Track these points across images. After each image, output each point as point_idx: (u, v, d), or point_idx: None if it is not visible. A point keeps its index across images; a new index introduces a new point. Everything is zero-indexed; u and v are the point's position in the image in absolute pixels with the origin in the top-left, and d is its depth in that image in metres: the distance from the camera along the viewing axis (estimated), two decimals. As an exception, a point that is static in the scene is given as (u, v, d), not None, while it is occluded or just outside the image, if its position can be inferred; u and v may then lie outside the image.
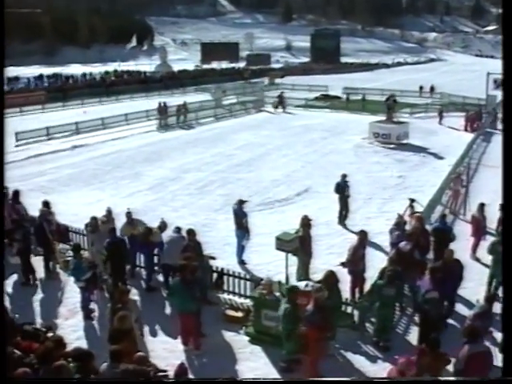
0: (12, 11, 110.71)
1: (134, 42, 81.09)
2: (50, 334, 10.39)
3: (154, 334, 12.78)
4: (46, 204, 17.03)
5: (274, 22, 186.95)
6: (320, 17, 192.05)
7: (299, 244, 13.83)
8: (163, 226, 15.42)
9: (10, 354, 9.10)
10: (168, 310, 13.98)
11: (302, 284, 12.22)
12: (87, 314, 13.66)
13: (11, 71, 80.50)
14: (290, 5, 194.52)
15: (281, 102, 50.07)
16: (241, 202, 16.81)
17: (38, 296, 14.80)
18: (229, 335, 12.81)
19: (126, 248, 14.91)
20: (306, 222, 14.93)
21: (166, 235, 15.13)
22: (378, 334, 12.26)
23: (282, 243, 12.86)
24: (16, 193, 17.78)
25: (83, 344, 11.74)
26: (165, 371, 9.25)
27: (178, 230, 14.75)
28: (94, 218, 15.40)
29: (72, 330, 12.89)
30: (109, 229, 14.78)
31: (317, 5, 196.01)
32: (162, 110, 42.32)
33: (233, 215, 16.93)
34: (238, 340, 12.64)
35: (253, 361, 11.85)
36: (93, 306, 13.86)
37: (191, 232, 14.22)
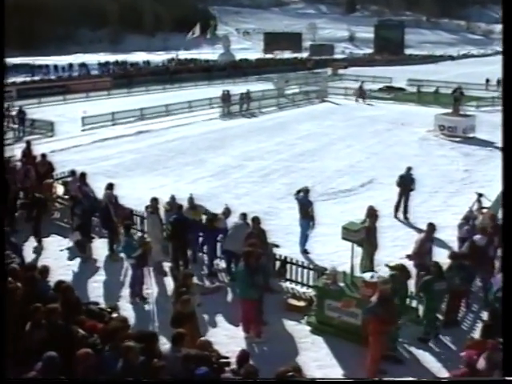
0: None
1: (197, 31, 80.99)
2: (114, 315, 10.49)
3: (215, 320, 12.80)
4: (110, 186, 17.24)
5: (337, 13, 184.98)
6: (384, 7, 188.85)
7: (365, 235, 13.62)
8: (227, 212, 15.42)
9: (74, 333, 9.25)
10: (230, 297, 14.01)
11: (367, 275, 12.03)
12: (137, 292, 13.87)
13: (78, 58, 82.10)
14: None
15: (361, 94, 49.52)
16: (306, 191, 16.69)
17: (101, 277, 15.04)
18: (290, 324, 12.76)
19: (188, 228, 14.96)
20: (372, 213, 14.74)
21: (230, 221, 15.16)
22: (427, 328, 12.08)
23: (349, 233, 12.66)
24: (83, 175, 18.06)
25: (142, 325, 11.84)
26: (227, 358, 9.21)
27: (243, 216, 14.74)
28: (154, 200, 15.48)
29: (133, 311, 13.09)
30: (175, 206, 14.95)
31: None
32: (226, 98, 42.36)
33: (297, 204, 16.80)
34: (299, 329, 12.57)
35: (314, 351, 11.77)
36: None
37: (256, 219, 14.18)
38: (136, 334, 9.22)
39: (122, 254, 15.05)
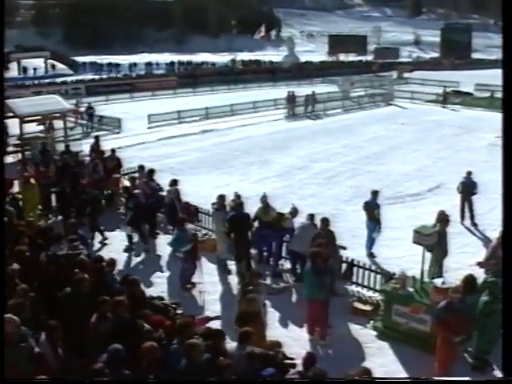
0: (146, 0, 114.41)
1: (262, 33, 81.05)
2: (179, 311, 10.44)
3: (279, 320, 12.65)
4: (175, 182, 17.27)
5: (402, 16, 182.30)
6: (450, 10, 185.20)
7: (437, 239, 13.24)
8: (294, 212, 15.25)
9: (139, 327, 9.23)
10: (294, 298, 13.85)
11: (438, 281, 11.67)
12: (185, 285, 13.91)
13: (144, 57, 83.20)
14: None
15: (445, 99, 48.48)
16: (374, 193, 16.39)
17: (165, 273, 15.10)
18: (355, 328, 12.51)
19: (249, 224, 14.91)
20: (443, 218, 14.33)
21: (297, 222, 14.98)
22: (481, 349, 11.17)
23: (421, 237, 12.30)
24: (151, 171, 18.17)
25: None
26: (292, 359, 9.05)
27: (310, 217, 14.53)
28: (220, 197, 15.43)
29: (195, 308, 12.96)
30: (236, 203, 14.89)
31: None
32: (291, 99, 42.24)
33: (364, 206, 16.51)
34: (364, 334, 12.30)
35: (380, 357, 11.49)
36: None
37: (325, 220, 13.94)
38: (203, 331, 9.14)
39: (171, 247, 15.22)
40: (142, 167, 19.07)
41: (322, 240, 12.79)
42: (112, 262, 11.50)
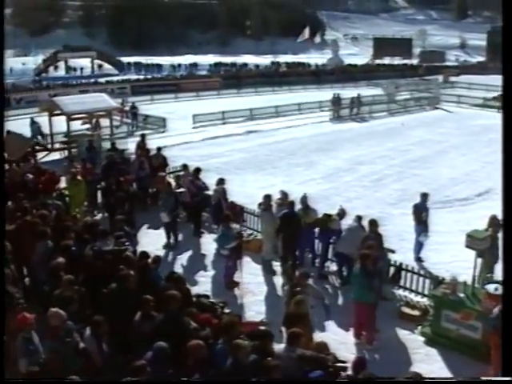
0: (190, 2, 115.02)
1: (306, 35, 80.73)
2: (226, 310, 10.29)
3: (324, 323, 12.28)
4: (222, 181, 17.17)
5: (447, 19, 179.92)
6: (496, 13, 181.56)
7: (490, 244, 12.85)
8: (342, 214, 14.98)
9: (186, 325, 9.11)
10: (340, 300, 13.62)
11: (491, 287, 11.30)
12: (229, 283, 13.77)
13: (188, 59, 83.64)
14: (465, 1, 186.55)
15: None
16: (424, 195, 16.04)
17: (209, 272, 15.00)
18: (403, 333, 12.21)
19: (298, 225, 14.67)
20: (495, 222, 13.87)
21: (345, 223, 14.73)
22: None
23: (474, 241, 11.96)
24: (197, 169, 18.08)
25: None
26: (344, 362, 8.81)
27: (358, 218, 14.26)
28: (267, 197, 15.27)
29: (240, 308, 12.91)
30: (288, 202, 14.73)
31: (493, 0, 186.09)
32: (336, 101, 42.01)
33: (413, 209, 16.17)
34: (412, 339, 12.01)
35: (428, 363, 11.16)
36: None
37: (374, 222, 13.64)
38: (250, 331, 8.98)
39: (216, 244, 15.08)
40: (186, 166, 18.98)
41: (372, 242, 12.52)
42: (157, 259, 11.45)
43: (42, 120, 28.92)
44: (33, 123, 27.68)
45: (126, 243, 12.28)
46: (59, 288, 10.10)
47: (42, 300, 10.44)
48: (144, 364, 7.80)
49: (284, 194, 15.86)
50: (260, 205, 15.41)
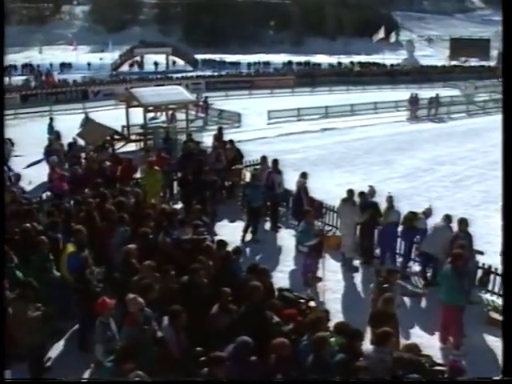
0: (264, 1, 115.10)
1: (381, 35, 79.47)
2: (312, 304, 9.80)
3: (408, 324, 11.70)
4: (304, 175, 16.73)
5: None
6: None
7: None
8: (428, 213, 14.31)
9: (268, 319, 8.71)
10: (424, 303, 12.99)
11: None
12: (307, 281, 13.30)
13: (261, 58, 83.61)
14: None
15: None
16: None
17: (287, 268, 14.58)
18: (490, 339, 11.50)
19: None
20: None
21: (431, 223, 14.04)
22: None
23: None
24: (275, 161, 17.67)
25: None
26: (442, 365, 8.22)
27: (446, 218, 13.54)
28: (350, 191, 14.74)
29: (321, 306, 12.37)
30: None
31: None
32: (414, 101, 41.09)
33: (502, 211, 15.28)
34: (500, 346, 11.21)
35: (516, 372, 10.38)
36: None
37: (463, 222, 12.91)
38: (340, 326, 8.47)
39: (297, 240, 14.59)
40: (264, 158, 18.49)
41: (463, 241, 11.84)
42: (238, 250, 11.10)
43: (118, 113, 29.09)
44: (87, 119, 27.29)
45: (205, 233, 11.97)
46: (135, 274, 9.91)
47: (118, 286, 10.21)
48: (223, 356, 7.46)
49: (373, 190, 15.24)
50: (343, 200, 14.79)
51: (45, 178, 20.57)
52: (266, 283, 9.60)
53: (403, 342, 10.33)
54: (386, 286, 10.04)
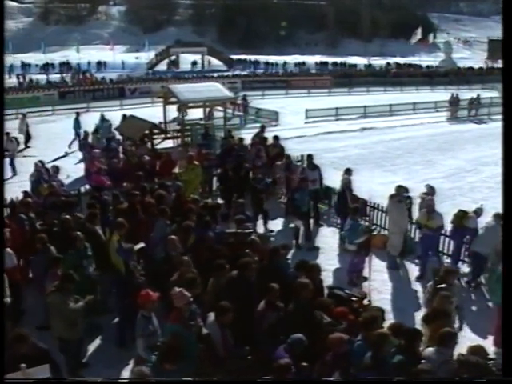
0: (298, 2, 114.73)
1: (418, 36, 78.54)
2: (365, 302, 9.35)
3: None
4: (348, 171, 16.31)
5: None
6: None
7: None
8: (480, 212, 13.78)
9: (318, 318, 8.32)
10: (476, 305, 12.49)
11: None
12: (354, 279, 12.87)
13: (296, 59, 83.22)
14: None
15: None
16: None
17: (331, 266, 14.18)
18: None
19: None
20: None
21: (482, 222, 13.50)
22: None
23: None
24: (309, 157, 17.37)
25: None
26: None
27: (498, 217, 12.96)
28: (400, 187, 14.32)
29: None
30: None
31: None
32: (454, 101, 40.50)
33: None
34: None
35: None
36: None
37: (515, 221, 12.33)
38: (394, 329, 7.99)
39: (344, 238, 14.02)
40: (310, 156, 17.89)
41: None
42: (287, 246, 10.66)
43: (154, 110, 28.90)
44: (103, 120, 27.00)
45: (249, 226, 11.60)
46: (177, 269, 9.65)
47: (159, 279, 9.89)
48: (289, 363, 7.03)
49: (430, 188, 14.69)
50: (392, 197, 14.26)
51: (81, 173, 20.60)
52: (315, 281, 9.18)
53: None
54: (443, 286, 9.54)
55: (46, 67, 67.75)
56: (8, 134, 23.29)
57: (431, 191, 14.63)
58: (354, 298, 9.26)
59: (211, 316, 8.38)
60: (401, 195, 14.10)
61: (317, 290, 9.12)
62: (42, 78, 57.30)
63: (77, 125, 27.37)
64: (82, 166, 21.09)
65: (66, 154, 25.79)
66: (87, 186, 17.50)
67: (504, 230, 7.18)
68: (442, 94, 46.90)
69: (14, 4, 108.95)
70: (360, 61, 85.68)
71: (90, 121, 27.35)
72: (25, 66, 68.25)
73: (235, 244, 10.75)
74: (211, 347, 8.14)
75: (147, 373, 6.86)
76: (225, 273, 9.38)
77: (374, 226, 15.94)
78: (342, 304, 8.92)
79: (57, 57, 78.85)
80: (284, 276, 9.52)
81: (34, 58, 76.22)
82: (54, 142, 27.92)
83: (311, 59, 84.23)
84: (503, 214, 7.21)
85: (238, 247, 10.42)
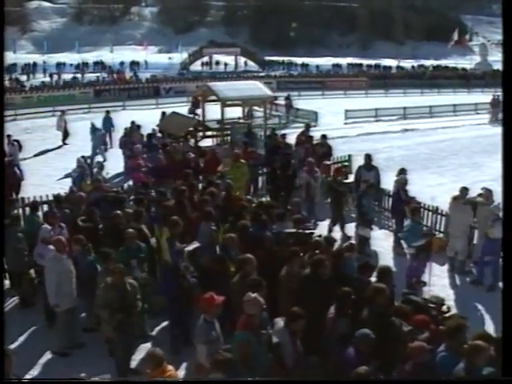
0: (331, 4, 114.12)
1: (455, 39, 77.31)
2: (444, 309, 8.71)
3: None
4: (403, 171, 16.01)
5: None
6: None
7: None
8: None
9: (396, 326, 7.71)
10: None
11: None
12: (410, 285, 12.01)
13: (328, 61, 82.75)
14: None
15: None
16: None
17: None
18: None
19: None
20: None
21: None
22: None
23: None
24: (367, 157, 16.91)
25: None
26: None
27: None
28: (464, 189, 13.72)
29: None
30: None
31: None
32: (496, 103, 39.44)
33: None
34: None
35: None
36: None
37: None
38: (481, 336, 7.33)
39: (403, 240, 13.49)
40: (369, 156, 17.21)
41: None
42: (352, 247, 10.00)
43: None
44: (94, 130, 25.76)
45: (310, 226, 11.04)
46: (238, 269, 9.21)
47: (214, 281, 9.38)
48: (367, 371, 6.49)
49: (488, 191, 13.97)
50: (455, 199, 13.59)
51: (120, 169, 20.25)
52: (388, 284, 8.57)
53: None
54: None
55: (81, 66, 68.20)
56: (9, 136, 21.77)
57: (489, 194, 13.79)
58: (431, 305, 8.59)
59: (280, 322, 7.80)
60: (464, 197, 13.43)
61: (391, 296, 8.55)
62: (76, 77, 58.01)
63: (106, 123, 26.90)
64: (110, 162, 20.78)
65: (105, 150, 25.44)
66: (130, 183, 17.20)
67: (504, 229, 7.10)
68: (480, 97, 46.27)
69: (48, 4, 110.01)
70: (393, 63, 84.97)
71: (127, 119, 27.01)
72: (59, 65, 68.68)
73: (295, 245, 10.14)
74: (281, 357, 7.56)
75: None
76: (299, 261, 8.92)
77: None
78: (420, 311, 8.27)
79: (90, 57, 79.33)
80: (351, 280, 8.91)
81: (69, 57, 76.73)
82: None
83: (343, 61, 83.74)
84: (503, 214, 7.32)
85: (300, 248, 9.80)
